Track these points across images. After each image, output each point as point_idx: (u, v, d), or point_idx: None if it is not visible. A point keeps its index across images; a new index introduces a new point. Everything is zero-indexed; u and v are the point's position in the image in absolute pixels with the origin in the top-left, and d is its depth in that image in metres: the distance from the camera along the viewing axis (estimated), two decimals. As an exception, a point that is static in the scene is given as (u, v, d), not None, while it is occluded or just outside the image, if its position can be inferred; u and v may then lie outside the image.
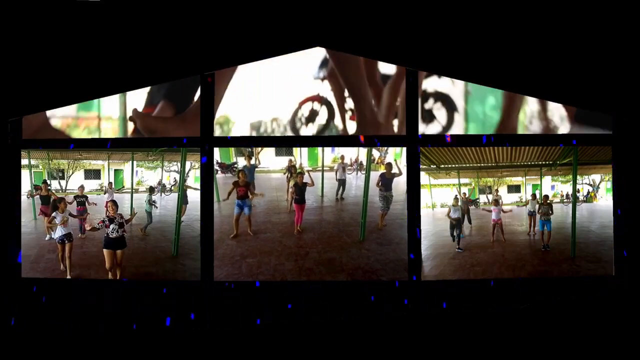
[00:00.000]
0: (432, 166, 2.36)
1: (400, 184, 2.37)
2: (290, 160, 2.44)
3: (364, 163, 2.44)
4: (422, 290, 2.30)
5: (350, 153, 2.49)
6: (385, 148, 2.41)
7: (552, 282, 2.32)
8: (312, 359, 2.22)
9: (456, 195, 2.40)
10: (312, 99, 2.73)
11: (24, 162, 2.37)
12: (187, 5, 2.20)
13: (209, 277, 2.31)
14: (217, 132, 2.47)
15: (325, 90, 2.67)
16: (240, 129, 2.64)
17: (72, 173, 2.42)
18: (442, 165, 2.37)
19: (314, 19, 2.19)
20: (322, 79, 2.69)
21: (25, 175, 2.38)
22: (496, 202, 2.40)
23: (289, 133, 2.63)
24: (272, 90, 2.60)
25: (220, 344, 2.24)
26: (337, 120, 2.72)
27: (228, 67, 2.32)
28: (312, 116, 2.73)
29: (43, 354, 2.23)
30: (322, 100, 2.71)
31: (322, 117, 2.66)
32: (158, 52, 2.22)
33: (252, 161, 2.45)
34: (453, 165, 2.38)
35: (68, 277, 2.34)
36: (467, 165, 2.39)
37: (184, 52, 2.22)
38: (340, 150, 2.49)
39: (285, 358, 2.22)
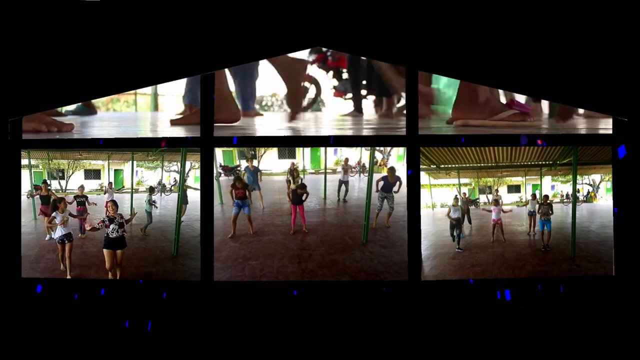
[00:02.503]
0: (432, 166, 2.36)
1: (402, 186, 2.38)
2: (292, 164, 2.44)
3: (367, 165, 2.44)
4: (422, 290, 2.30)
5: (352, 155, 2.49)
6: (388, 150, 2.41)
7: (552, 282, 2.32)
8: (312, 358, 2.22)
9: (456, 195, 2.40)
10: (304, 78, 3.09)
11: (24, 162, 2.37)
12: (187, 5, 2.20)
13: (209, 277, 2.31)
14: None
15: (314, 71, 2.87)
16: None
17: (72, 173, 2.42)
18: (442, 165, 2.38)
19: (314, 18, 2.19)
20: (312, 62, 2.88)
21: (25, 175, 2.37)
22: (496, 202, 2.41)
23: (285, 107, 3.17)
24: (271, 70, 2.86)
25: (220, 344, 2.24)
26: (323, 96, 3.09)
27: (228, 67, 2.31)
28: (304, 92, 3.15)
29: (42, 353, 2.23)
30: (312, 80, 2.95)
31: (311, 93, 2.93)
32: (158, 52, 2.21)
33: (255, 163, 2.45)
34: (453, 165, 2.38)
35: (68, 277, 2.34)
36: (467, 165, 2.39)
37: (184, 52, 2.22)
38: (344, 153, 2.49)
39: (285, 358, 2.22)
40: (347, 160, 2.50)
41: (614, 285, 2.30)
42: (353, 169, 2.49)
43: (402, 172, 2.37)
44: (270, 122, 3.11)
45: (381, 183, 2.41)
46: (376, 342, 2.23)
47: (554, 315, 2.26)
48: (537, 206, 2.39)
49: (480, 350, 2.21)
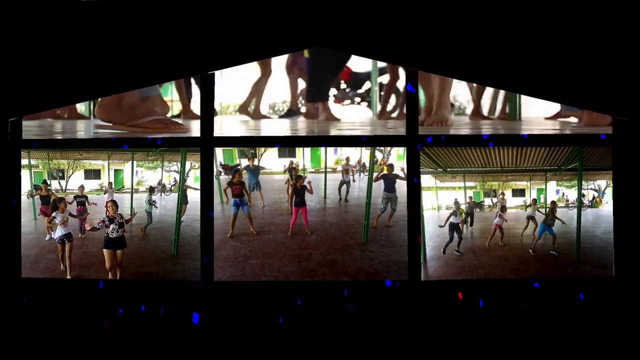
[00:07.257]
0: (438, 169, 2.36)
1: (403, 185, 2.35)
2: (292, 162, 2.43)
3: (367, 165, 2.44)
4: (423, 290, 2.30)
5: (352, 154, 2.48)
6: (388, 150, 2.41)
7: (553, 283, 2.32)
8: (312, 358, 2.23)
9: (456, 200, 2.39)
10: None
11: (24, 162, 2.35)
12: (187, 5, 2.18)
13: (209, 277, 2.31)
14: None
15: None
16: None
17: (72, 173, 2.41)
18: (449, 169, 2.37)
19: (314, 19, 2.17)
20: None
21: (25, 175, 2.36)
22: (502, 207, 2.41)
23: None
24: (281, 81, 3.68)
25: (220, 344, 2.24)
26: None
27: (228, 67, 2.30)
28: None
29: (43, 354, 2.23)
30: None
31: None
32: (158, 52, 2.20)
33: (255, 162, 2.45)
34: (459, 169, 2.38)
35: (68, 277, 2.34)
36: (473, 169, 2.38)
37: (184, 52, 2.20)
38: (344, 152, 2.49)
39: (285, 357, 2.23)
40: (348, 159, 2.50)
41: (614, 286, 2.30)
42: (353, 169, 2.49)
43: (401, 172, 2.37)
44: (275, 125, 3.41)
45: (382, 184, 2.40)
46: (375, 341, 2.24)
47: (554, 315, 2.26)
48: (537, 213, 2.40)
49: (480, 350, 2.22)
